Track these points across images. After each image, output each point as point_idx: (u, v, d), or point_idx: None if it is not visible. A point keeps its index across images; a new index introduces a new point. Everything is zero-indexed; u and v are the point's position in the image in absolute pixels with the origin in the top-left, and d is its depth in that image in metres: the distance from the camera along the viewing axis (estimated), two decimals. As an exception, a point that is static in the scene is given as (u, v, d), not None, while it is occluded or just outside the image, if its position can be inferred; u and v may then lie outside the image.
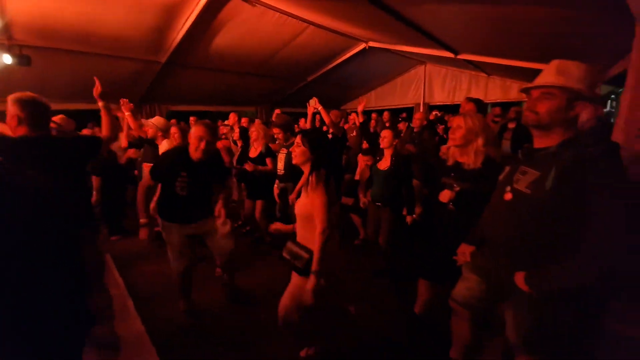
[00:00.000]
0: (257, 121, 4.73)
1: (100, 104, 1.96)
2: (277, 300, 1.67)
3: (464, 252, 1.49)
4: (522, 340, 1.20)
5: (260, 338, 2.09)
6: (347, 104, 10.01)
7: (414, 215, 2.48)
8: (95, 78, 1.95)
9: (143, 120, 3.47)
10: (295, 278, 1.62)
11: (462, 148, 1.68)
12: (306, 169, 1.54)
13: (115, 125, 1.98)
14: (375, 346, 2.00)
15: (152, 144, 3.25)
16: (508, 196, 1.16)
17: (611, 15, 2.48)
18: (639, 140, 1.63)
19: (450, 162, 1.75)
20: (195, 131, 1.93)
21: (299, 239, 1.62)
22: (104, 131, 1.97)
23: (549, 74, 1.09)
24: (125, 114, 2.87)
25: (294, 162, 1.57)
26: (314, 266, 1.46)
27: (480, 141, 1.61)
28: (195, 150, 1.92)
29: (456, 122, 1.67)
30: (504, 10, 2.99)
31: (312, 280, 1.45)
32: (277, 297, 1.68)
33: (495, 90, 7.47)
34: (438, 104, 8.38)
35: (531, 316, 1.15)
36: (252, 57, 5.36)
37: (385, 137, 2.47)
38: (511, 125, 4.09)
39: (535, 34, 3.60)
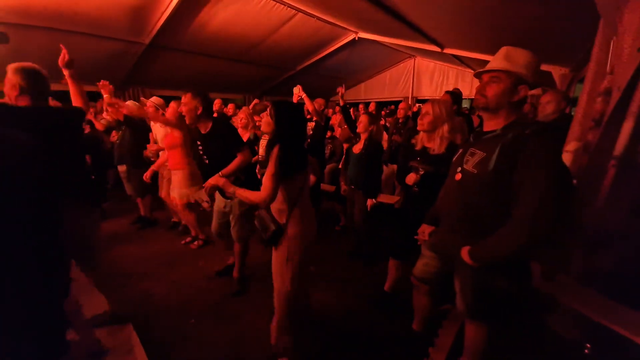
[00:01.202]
0: (244, 108, 4.72)
1: (66, 73, 1.87)
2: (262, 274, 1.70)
3: (424, 231, 1.60)
4: (466, 308, 1.33)
5: (247, 311, 2.18)
6: (336, 96, 10.04)
7: (374, 200, 2.57)
8: (61, 45, 1.87)
9: (142, 99, 3.42)
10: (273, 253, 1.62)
11: (429, 134, 1.77)
12: (272, 142, 1.52)
13: (85, 95, 1.95)
14: (346, 324, 2.11)
15: (134, 125, 3.22)
16: (458, 176, 1.26)
17: (584, 12, 2.62)
18: (592, 131, 1.76)
19: (418, 147, 1.84)
20: (183, 101, 2.04)
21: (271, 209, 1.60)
22: (74, 102, 1.90)
23: (498, 59, 1.18)
24: (104, 96, 2.83)
25: (262, 129, 1.57)
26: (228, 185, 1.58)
27: (445, 127, 1.71)
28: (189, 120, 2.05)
29: (424, 108, 1.76)
30: (486, 3, 3.08)
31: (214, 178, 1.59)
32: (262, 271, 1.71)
33: (480, 86, 7.62)
34: (426, 98, 8.50)
35: (473, 285, 1.26)
36: (240, 43, 5.30)
37: (362, 122, 2.54)
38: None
39: (516, 30, 3.73)
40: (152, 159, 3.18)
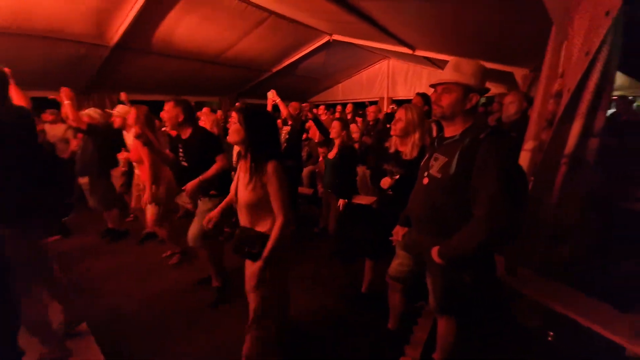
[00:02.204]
0: (205, 109, 4.58)
1: None
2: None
3: (397, 232, 1.64)
4: (437, 304, 1.38)
5: (225, 320, 2.14)
6: (313, 97, 10.06)
7: (346, 200, 2.61)
8: None
9: (108, 111, 3.26)
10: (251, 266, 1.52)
11: (402, 138, 1.82)
12: (244, 151, 1.43)
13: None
14: (323, 326, 2.12)
15: (97, 133, 3.06)
16: (425, 180, 1.31)
17: (540, 18, 2.79)
18: (546, 131, 1.88)
19: (392, 150, 1.89)
20: (165, 108, 2.12)
21: (243, 223, 1.52)
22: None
23: (448, 71, 1.24)
24: (65, 103, 2.66)
25: (228, 139, 1.46)
26: (266, 252, 1.41)
27: (417, 134, 1.76)
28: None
29: (398, 114, 1.81)
30: (449, 9, 3.20)
31: (260, 265, 1.43)
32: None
33: (451, 86, 7.92)
34: (400, 98, 8.72)
35: (442, 283, 1.32)
36: (213, 44, 5.20)
37: (334, 128, 2.57)
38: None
39: (478, 34, 3.90)
40: (122, 168, 3.04)
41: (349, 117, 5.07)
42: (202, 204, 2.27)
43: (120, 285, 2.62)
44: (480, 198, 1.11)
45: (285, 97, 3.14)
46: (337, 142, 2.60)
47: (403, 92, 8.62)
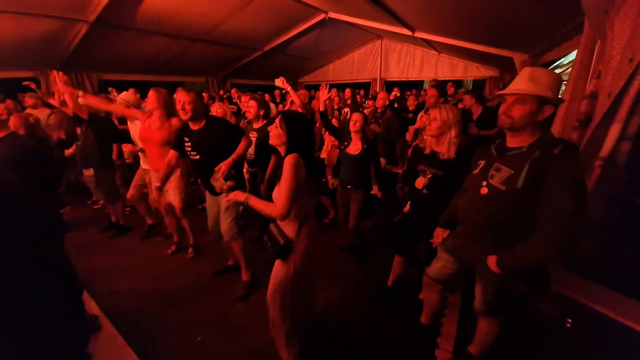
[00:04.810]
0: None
1: None
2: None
3: (438, 234, 1.66)
4: (486, 307, 1.44)
5: (253, 321, 2.12)
6: (304, 77, 9.71)
7: (381, 195, 2.61)
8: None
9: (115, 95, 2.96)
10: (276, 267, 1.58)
11: (437, 138, 1.80)
12: (282, 152, 1.49)
13: None
14: (351, 321, 2.18)
15: (99, 123, 2.79)
16: (484, 190, 1.30)
17: (556, 7, 2.78)
18: (575, 131, 1.92)
19: (427, 151, 1.87)
20: (178, 97, 2.03)
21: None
22: None
23: (522, 81, 1.19)
24: (62, 90, 2.39)
25: (270, 142, 1.50)
26: (244, 197, 1.50)
27: (453, 133, 1.74)
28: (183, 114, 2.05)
29: (433, 114, 1.77)
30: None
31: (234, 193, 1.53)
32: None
33: (443, 68, 7.92)
34: (393, 79, 8.61)
35: (496, 290, 1.37)
36: (201, 20, 4.79)
37: (357, 121, 2.45)
38: (460, 106, 4.45)
39: (484, 18, 3.84)
40: (128, 161, 2.82)
41: (348, 102, 4.94)
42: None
43: (137, 285, 2.52)
44: (552, 214, 1.12)
45: (275, 76, 2.97)
46: (358, 136, 2.49)
47: (396, 74, 8.51)
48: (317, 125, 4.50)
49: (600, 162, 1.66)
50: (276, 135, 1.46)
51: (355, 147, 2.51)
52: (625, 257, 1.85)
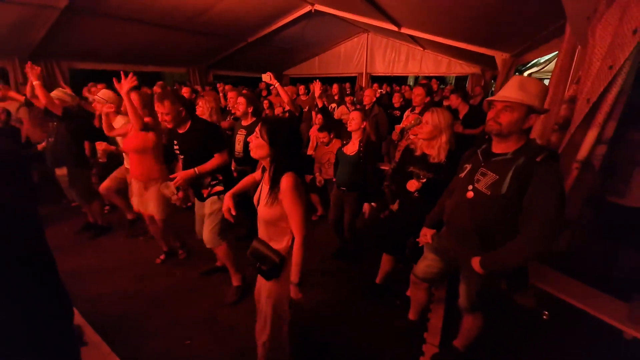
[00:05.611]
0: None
1: None
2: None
3: (425, 234, 1.71)
4: (470, 304, 1.51)
5: (242, 322, 2.11)
6: (289, 69, 9.55)
7: (373, 205, 2.43)
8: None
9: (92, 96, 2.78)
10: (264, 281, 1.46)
11: (428, 141, 1.82)
12: (267, 166, 1.33)
13: None
14: (342, 317, 2.22)
15: (73, 118, 2.63)
16: (470, 194, 1.35)
17: (538, 9, 2.86)
18: (555, 133, 2.00)
19: (418, 153, 1.89)
20: (156, 107, 1.99)
21: (261, 236, 1.44)
22: None
23: (512, 89, 1.22)
24: (34, 83, 2.23)
25: (252, 154, 1.33)
26: (294, 278, 1.34)
27: (444, 138, 1.77)
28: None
29: (425, 117, 1.79)
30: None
31: (294, 290, 1.37)
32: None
33: (428, 64, 8.03)
34: (379, 74, 8.64)
35: (478, 288, 1.44)
36: (183, 8, 4.57)
37: (354, 120, 2.31)
38: (446, 103, 4.54)
39: (469, 17, 3.90)
40: (101, 160, 2.68)
41: (335, 98, 4.92)
42: (212, 204, 2.17)
43: (120, 287, 2.44)
44: (535, 219, 1.18)
45: (259, 68, 2.90)
46: (356, 135, 2.37)
47: (382, 68, 8.53)
48: (303, 125, 4.47)
49: (577, 164, 1.75)
50: (257, 146, 1.28)
51: (352, 147, 2.41)
52: (597, 252, 1.98)
